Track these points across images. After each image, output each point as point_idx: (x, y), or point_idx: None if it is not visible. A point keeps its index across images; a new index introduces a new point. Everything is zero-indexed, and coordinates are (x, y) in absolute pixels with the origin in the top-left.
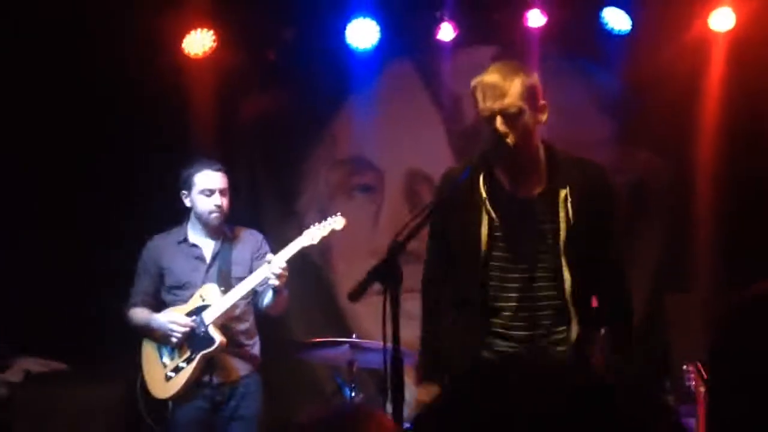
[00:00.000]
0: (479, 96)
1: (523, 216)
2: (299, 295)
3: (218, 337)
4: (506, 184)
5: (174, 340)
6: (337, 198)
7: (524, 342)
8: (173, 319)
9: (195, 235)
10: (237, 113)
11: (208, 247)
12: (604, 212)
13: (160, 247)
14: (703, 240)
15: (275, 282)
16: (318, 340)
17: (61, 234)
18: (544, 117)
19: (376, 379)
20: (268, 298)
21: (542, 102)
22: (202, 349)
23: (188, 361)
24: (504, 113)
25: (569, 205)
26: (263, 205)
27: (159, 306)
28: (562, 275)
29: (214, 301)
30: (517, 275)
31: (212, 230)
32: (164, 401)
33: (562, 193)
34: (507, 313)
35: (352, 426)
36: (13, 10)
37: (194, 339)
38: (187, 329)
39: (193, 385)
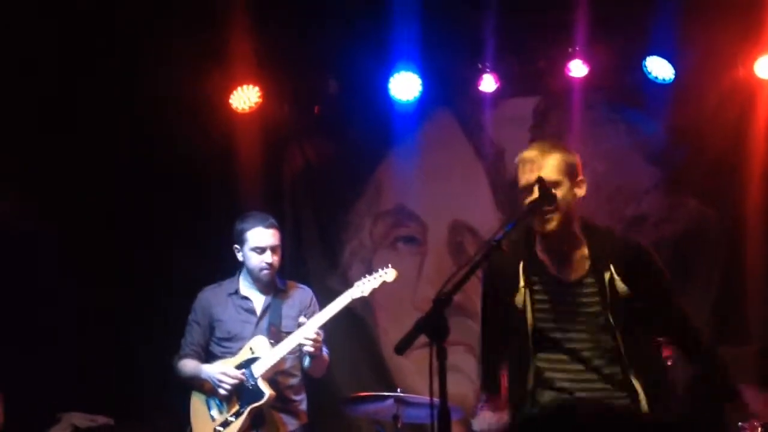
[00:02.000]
0: (520, 170)
1: (567, 297)
2: (344, 349)
3: (267, 391)
4: (550, 266)
5: (223, 392)
6: (381, 250)
7: None
8: (223, 371)
9: (246, 287)
10: (283, 166)
11: (258, 300)
12: (653, 286)
13: (211, 298)
14: (756, 291)
15: (309, 349)
16: (363, 394)
17: (113, 289)
18: (582, 191)
19: None
20: (306, 360)
21: (581, 177)
22: (251, 403)
23: (237, 414)
24: (540, 184)
25: (615, 285)
26: (308, 258)
27: (209, 358)
28: (620, 354)
29: (264, 353)
30: (573, 357)
31: (263, 285)
32: None
33: (607, 275)
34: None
35: None
36: (66, 65)
37: (243, 392)
38: (237, 381)
39: None
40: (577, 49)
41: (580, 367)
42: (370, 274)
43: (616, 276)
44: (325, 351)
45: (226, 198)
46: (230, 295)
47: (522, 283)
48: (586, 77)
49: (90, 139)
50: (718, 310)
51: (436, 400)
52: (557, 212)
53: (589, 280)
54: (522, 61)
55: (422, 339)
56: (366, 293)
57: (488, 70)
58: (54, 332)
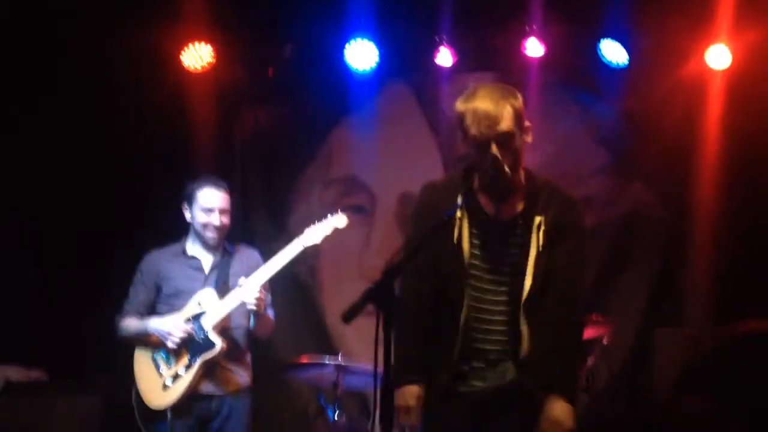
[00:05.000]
0: (471, 122)
1: (500, 236)
2: (286, 314)
3: (218, 341)
4: (486, 205)
5: (172, 345)
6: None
7: (489, 359)
8: (172, 323)
9: (193, 248)
10: (233, 128)
11: (206, 259)
12: (572, 246)
13: (158, 258)
14: (695, 275)
15: (252, 307)
16: (304, 360)
17: (50, 245)
18: (529, 138)
19: (359, 401)
20: (251, 320)
21: (528, 123)
22: (203, 355)
23: (188, 367)
24: (499, 140)
25: (541, 233)
26: (255, 221)
27: (152, 317)
28: (520, 297)
29: (212, 307)
30: (491, 288)
31: (211, 246)
32: (158, 411)
33: (537, 219)
34: (483, 326)
35: None
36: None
37: (193, 345)
38: (186, 334)
39: (192, 393)
40: (534, 28)
41: (493, 302)
42: (322, 220)
43: (544, 222)
44: (270, 312)
45: (175, 157)
46: (177, 255)
47: (458, 214)
48: (541, 57)
49: (36, 99)
50: (655, 293)
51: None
52: (510, 190)
53: (520, 221)
54: (479, 36)
55: (368, 308)
56: (318, 240)
57: (445, 43)
58: None
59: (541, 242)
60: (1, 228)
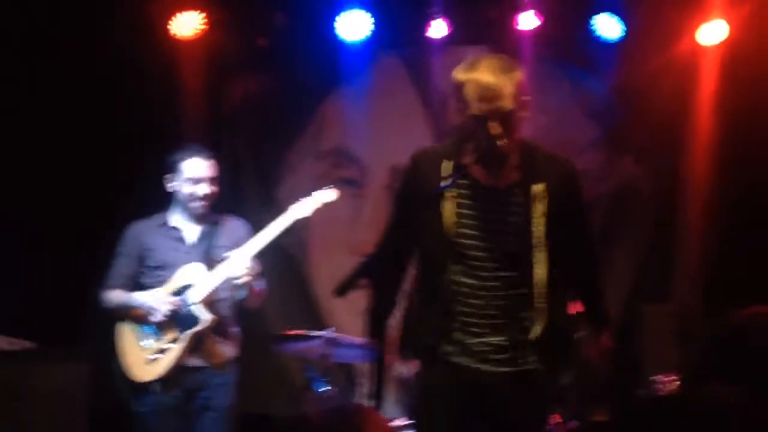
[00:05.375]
0: (471, 94)
1: (493, 206)
2: (276, 286)
3: (206, 315)
4: (480, 176)
5: (158, 318)
6: (319, 190)
7: (489, 334)
8: (158, 297)
9: (177, 219)
10: (224, 97)
11: (191, 231)
12: (577, 209)
13: (141, 229)
14: (684, 251)
15: (241, 279)
16: (292, 332)
17: (37, 214)
18: (526, 113)
19: (346, 374)
20: (241, 291)
21: (525, 98)
22: (191, 328)
23: (175, 341)
24: (498, 114)
25: (545, 200)
26: (244, 191)
27: (137, 289)
28: (531, 269)
29: (200, 280)
30: (484, 264)
31: (196, 216)
32: (144, 384)
33: (537, 188)
34: (472, 301)
35: (354, 421)
36: None
37: (180, 318)
38: (173, 307)
39: (179, 366)
40: (527, 1)
41: (491, 275)
42: (311, 194)
43: (543, 189)
44: (260, 283)
45: (163, 126)
46: (160, 226)
47: (447, 185)
48: (534, 31)
49: (25, 67)
50: (643, 268)
51: (372, 342)
52: (504, 161)
53: (517, 189)
54: (473, 8)
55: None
56: (308, 214)
57: (439, 15)
58: None
59: (544, 210)
60: None
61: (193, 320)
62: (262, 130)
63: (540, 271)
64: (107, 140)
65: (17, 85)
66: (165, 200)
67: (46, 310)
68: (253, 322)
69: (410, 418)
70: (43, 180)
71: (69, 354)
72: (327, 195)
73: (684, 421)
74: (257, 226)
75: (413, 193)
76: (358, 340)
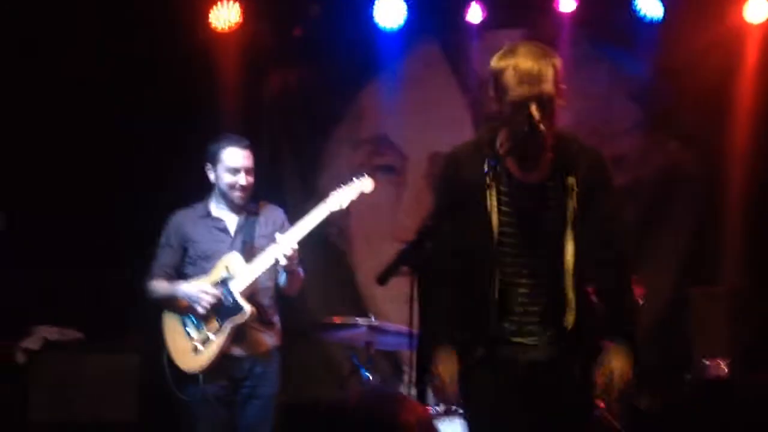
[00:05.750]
0: (511, 80)
1: (530, 201)
2: (318, 275)
3: (247, 306)
4: (514, 169)
5: (201, 309)
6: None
7: (529, 323)
8: (201, 288)
9: (218, 209)
10: (262, 88)
11: (231, 220)
12: (608, 203)
13: (183, 220)
14: (731, 233)
15: (284, 262)
16: (337, 320)
17: (85, 206)
18: (563, 102)
19: (391, 361)
20: (282, 277)
21: (562, 86)
22: (232, 319)
23: (217, 332)
24: (540, 100)
25: (575, 194)
26: (285, 182)
27: (180, 279)
28: (563, 263)
29: (240, 271)
30: (524, 260)
31: (235, 206)
32: (190, 374)
33: (569, 180)
34: (512, 291)
35: (390, 408)
36: None
37: (222, 309)
38: (215, 299)
39: (222, 356)
40: None
41: (530, 272)
42: (348, 184)
43: (577, 182)
44: (300, 269)
45: (202, 119)
46: (202, 217)
47: (487, 181)
48: (573, 12)
49: (65, 57)
50: (691, 252)
51: (410, 329)
52: (541, 152)
53: (551, 183)
54: None
55: (400, 269)
56: (344, 205)
57: None
58: (30, 246)
59: (576, 204)
60: (32, 192)
61: (235, 311)
62: (301, 120)
63: (572, 261)
64: (150, 132)
65: (59, 79)
66: (206, 190)
67: (96, 300)
68: (296, 310)
69: (451, 407)
70: (89, 171)
71: (118, 344)
72: (364, 185)
73: (734, 409)
74: (299, 217)
75: (454, 190)
76: (401, 327)
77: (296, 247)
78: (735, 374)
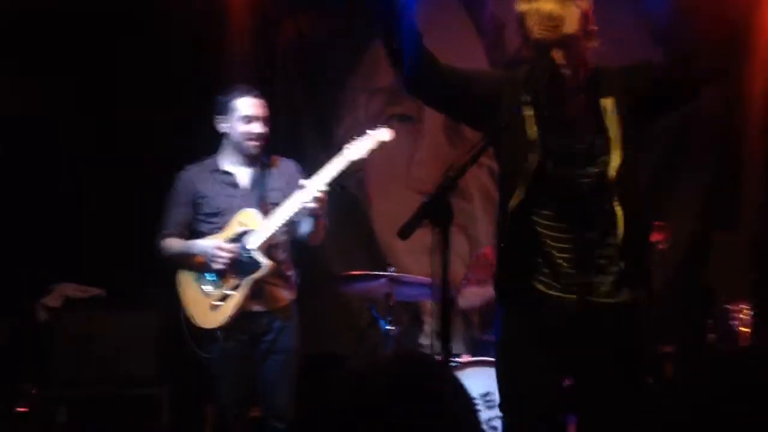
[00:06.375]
0: (533, 24)
1: (563, 135)
2: (335, 227)
3: (266, 261)
4: (546, 106)
5: (219, 266)
6: (376, 127)
7: (571, 266)
8: (217, 245)
9: (229, 163)
10: (276, 39)
11: (243, 174)
12: (646, 69)
13: (194, 176)
14: (753, 177)
15: (312, 205)
16: (356, 272)
17: (102, 163)
18: (595, 43)
19: (411, 312)
20: (307, 225)
21: (592, 27)
22: (251, 275)
23: (235, 288)
24: (562, 44)
25: (615, 110)
26: (302, 134)
27: (194, 237)
28: (611, 203)
29: (256, 226)
30: (562, 193)
31: (249, 158)
32: (209, 331)
33: (605, 102)
34: (554, 234)
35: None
36: None
37: (240, 265)
38: (232, 254)
39: (240, 313)
40: None
41: (570, 203)
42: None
43: (616, 101)
44: (325, 218)
45: (216, 68)
46: (212, 171)
47: (525, 111)
48: None
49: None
50: (711, 194)
51: (430, 279)
52: (570, 92)
53: (588, 115)
54: None
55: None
56: (364, 155)
57: None
58: (51, 205)
59: (618, 118)
60: (49, 156)
61: (253, 266)
62: (317, 71)
63: (619, 207)
64: (161, 85)
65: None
66: (216, 144)
67: (114, 257)
68: (315, 263)
69: (475, 355)
70: (100, 127)
71: (138, 300)
72: (382, 134)
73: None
74: (317, 167)
75: (496, 96)
76: (421, 278)
77: (325, 189)
78: (758, 323)
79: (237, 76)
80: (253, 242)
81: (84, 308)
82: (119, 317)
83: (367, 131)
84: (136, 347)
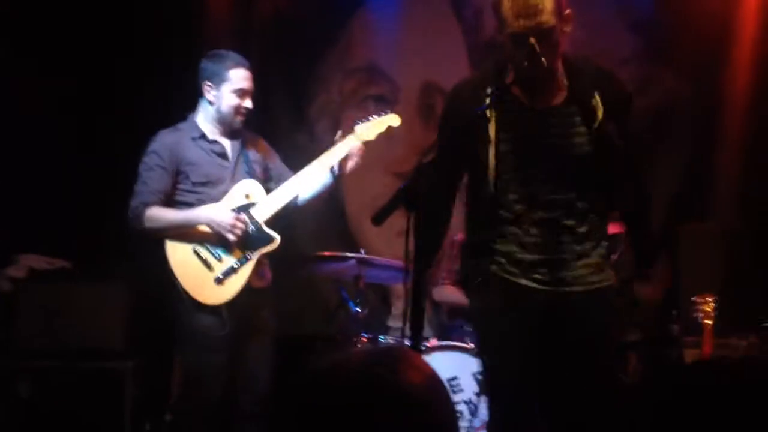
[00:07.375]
0: (509, 13)
1: (538, 126)
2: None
3: (276, 235)
4: (523, 97)
5: (233, 237)
6: (350, 107)
7: (539, 252)
8: (235, 215)
9: (212, 132)
10: (251, 12)
11: (228, 145)
12: (626, 121)
13: (176, 142)
14: (723, 170)
15: (357, 160)
16: (326, 254)
17: (66, 132)
18: (569, 28)
19: (380, 295)
20: (325, 181)
21: (567, 11)
22: (260, 248)
23: (243, 260)
24: (539, 31)
25: (599, 112)
26: (274, 110)
27: (176, 206)
28: (576, 189)
29: (262, 199)
30: (531, 184)
31: (231, 130)
32: (213, 308)
33: (593, 101)
34: (522, 220)
35: (393, 369)
36: None
37: (247, 238)
38: (243, 225)
39: (246, 287)
40: None
41: (543, 201)
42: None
43: (599, 103)
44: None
45: (190, 39)
46: (195, 139)
47: (488, 115)
48: None
49: None
50: (684, 187)
51: (400, 263)
52: (547, 81)
53: (571, 108)
54: None
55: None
56: (372, 137)
57: None
58: (15, 173)
59: (597, 123)
60: (19, 123)
61: (264, 239)
62: (292, 47)
63: (585, 190)
64: (134, 55)
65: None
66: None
67: (82, 229)
68: (286, 243)
69: (441, 339)
70: (75, 94)
71: (106, 273)
72: (392, 119)
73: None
74: (289, 147)
75: (457, 124)
76: (392, 261)
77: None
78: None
79: (213, 45)
80: (260, 215)
81: (50, 280)
82: (86, 290)
83: (375, 115)
84: (102, 320)
